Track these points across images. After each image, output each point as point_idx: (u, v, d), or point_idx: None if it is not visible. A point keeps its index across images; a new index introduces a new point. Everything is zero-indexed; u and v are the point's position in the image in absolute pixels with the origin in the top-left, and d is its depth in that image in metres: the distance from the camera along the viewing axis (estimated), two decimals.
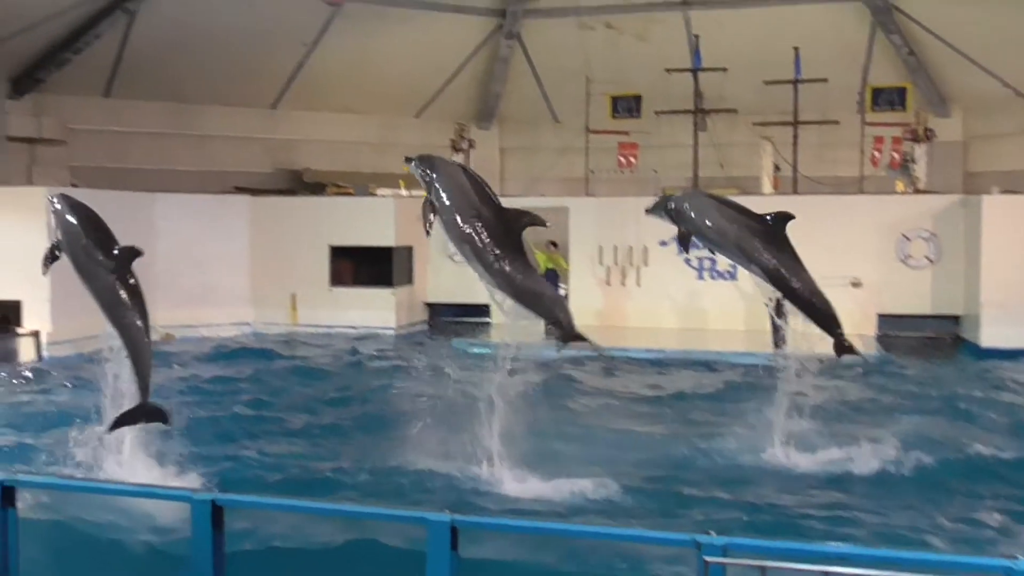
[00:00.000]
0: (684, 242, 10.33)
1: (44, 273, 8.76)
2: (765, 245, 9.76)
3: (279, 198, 21.63)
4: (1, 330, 16.36)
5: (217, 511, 5.36)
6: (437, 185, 8.60)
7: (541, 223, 8.84)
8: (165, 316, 18.73)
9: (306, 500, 6.87)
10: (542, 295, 8.95)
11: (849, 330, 18.08)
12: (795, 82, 21.38)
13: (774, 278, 9.88)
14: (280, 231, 20.11)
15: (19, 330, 16.19)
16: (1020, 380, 14.36)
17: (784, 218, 9.67)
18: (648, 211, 10.76)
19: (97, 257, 8.41)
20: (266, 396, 13.10)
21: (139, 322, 8.37)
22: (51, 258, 8.78)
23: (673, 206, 10.36)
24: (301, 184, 24.08)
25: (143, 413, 8.38)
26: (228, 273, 19.77)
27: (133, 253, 8.38)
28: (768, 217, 9.96)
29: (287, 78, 23.93)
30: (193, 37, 21.44)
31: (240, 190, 22.01)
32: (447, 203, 8.54)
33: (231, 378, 14.63)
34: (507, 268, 8.47)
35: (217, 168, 23.45)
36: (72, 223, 8.56)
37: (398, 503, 7.65)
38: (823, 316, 10.01)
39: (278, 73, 23.74)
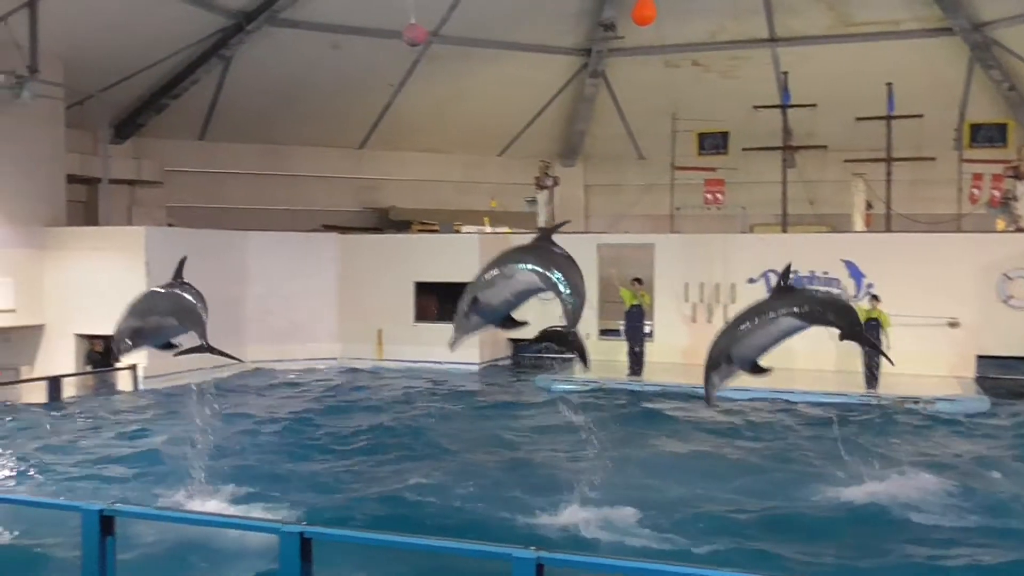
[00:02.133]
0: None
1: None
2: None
3: (366, 236, 22.01)
4: (103, 364, 16.93)
5: (305, 543, 5.38)
6: None
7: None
8: (256, 351, 19.21)
9: (392, 534, 6.85)
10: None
11: (945, 372, 17.67)
12: (888, 118, 20.92)
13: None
14: (366, 268, 20.43)
15: (118, 364, 16.71)
16: None
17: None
18: None
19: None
20: (350, 429, 13.20)
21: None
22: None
23: None
24: (387, 222, 24.51)
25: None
26: (316, 309, 20.14)
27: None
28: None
29: (374, 119, 24.48)
30: (284, 81, 22.14)
31: (328, 228, 22.49)
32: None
33: (317, 411, 14.82)
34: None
35: (307, 207, 24.07)
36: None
37: (483, 539, 7.58)
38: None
39: (365, 114, 24.30)
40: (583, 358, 8.74)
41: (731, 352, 9.43)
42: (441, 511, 9.02)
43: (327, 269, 20.41)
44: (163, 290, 8.76)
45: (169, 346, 8.93)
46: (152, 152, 22.85)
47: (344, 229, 22.43)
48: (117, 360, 16.59)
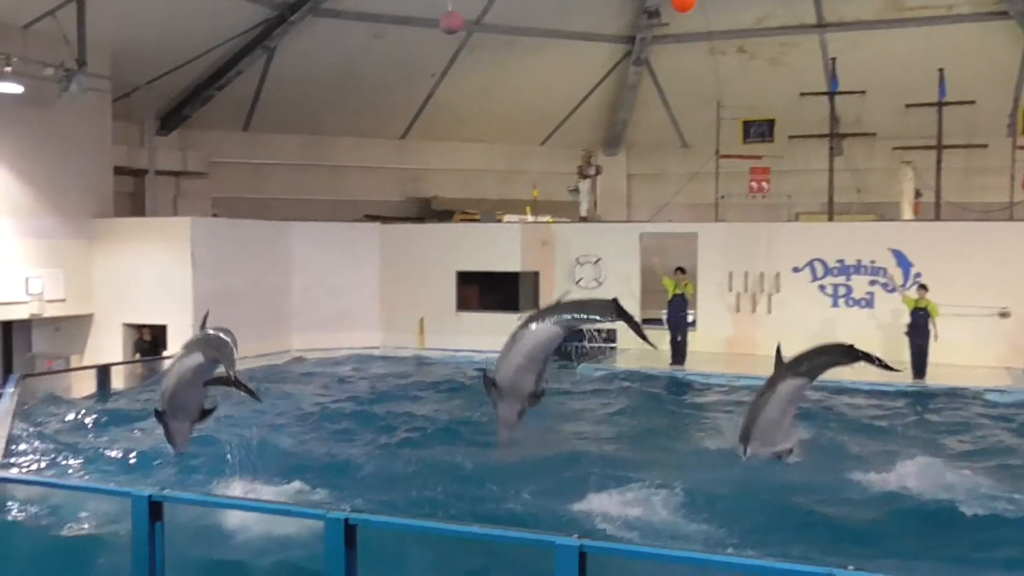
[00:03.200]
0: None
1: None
2: None
3: (408, 225, 22.10)
4: (151, 353, 17.20)
5: (350, 530, 5.42)
6: None
7: None
8: (300, 340, 19.43)
9: (435, 521, 6.87)
10: None
11: (995, 362, 17.32)
12: (939, 104, 20.50)
13: None
14: (409, 257, 20.50)
15: (165, 353, 16.96)
16: None
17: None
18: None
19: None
20: (392, 418, 13.26)
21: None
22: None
23: None
24: (429, 212, 24.57)
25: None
26: (359, 298, 20.28)
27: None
28: None
29: (416, 109, 24.51)
30: (326, 71, 22.24)
31: (371, 218, 22.60)
32: None
33: (361, 399, 14.92)
34: None
35: (349, 197, 24.21)
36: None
37: (525, 526, 7.57)
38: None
39: (408, 104, 24.35)
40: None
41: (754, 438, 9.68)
42: (483, 498, 9.02)
43: (370, 259, 20.52)
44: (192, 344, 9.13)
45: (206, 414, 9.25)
46: (197, 143, 23.12)
47: (386, 219, 22.53)
48: (164, 348, 16.93)
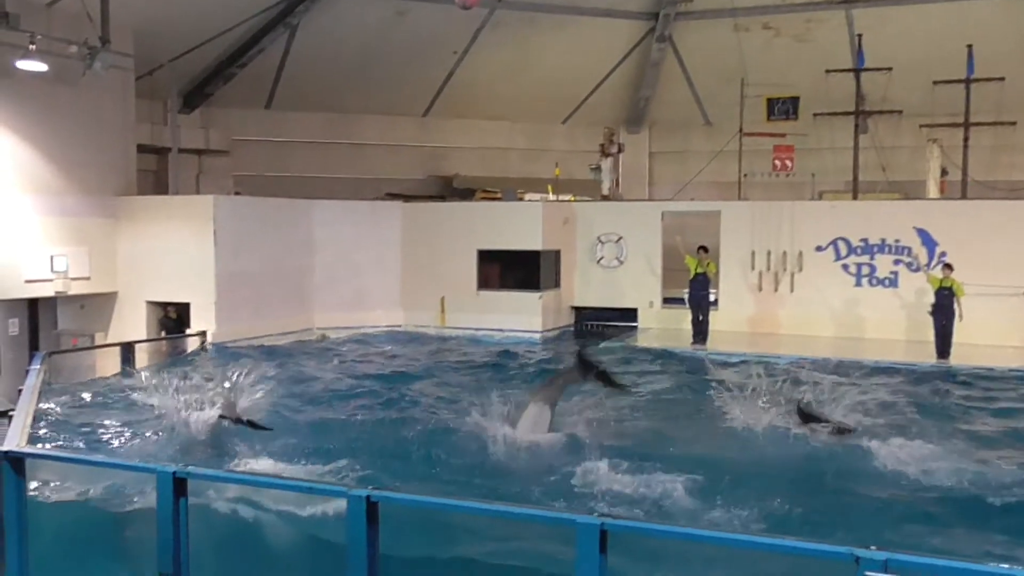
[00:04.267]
0: None
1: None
2: None
3: (429, 204, 22.10)
4: (176, 330, 17.34)
5: (372, 507, 5.45)
6: None
7: None
8: (322, 318, 19.51)
9: (457, 499, 6.90)
10: None
11: (1020, 343, 17.15)
12: (967, 81, 20.22)
13: None
14: (430, 236, 20.52)
15: (188, 330, 17.11)
16: None
17: None
18: None
19: None
20: (413, 393, 13.32)
21: None
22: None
23: None
24: (451, 190, 24.54)
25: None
26: (381, 276, 20.33)
27: None
28: None
29: (438, 87, 24.45)
30: (348, 49, 22.21)
31: (392, 196, 22.61)
32: None
33: (384, 376, 14.97)
34: None
35: (371, 175, 24.23)
36: None
37: (546, 505, 7.59)
38: None
39: (430, 82, 24.28)
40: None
41: None
42: (507, 475, 9.06)
43: (391, 237, 20.55)
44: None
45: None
46: (219, 121, 23.20)
47: (408, 197, 22.53)
48: (187, 326, 17.10)
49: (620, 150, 22.36)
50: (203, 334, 16.87)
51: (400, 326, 20.26)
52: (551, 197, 22.06)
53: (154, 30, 18.54)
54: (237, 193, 21.22)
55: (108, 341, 17.16)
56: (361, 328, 19.54)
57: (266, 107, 23.93)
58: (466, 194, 23.66)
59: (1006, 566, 4.57)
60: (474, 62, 23.60)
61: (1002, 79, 20.01)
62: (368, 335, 19.42)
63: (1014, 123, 20.69)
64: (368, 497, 5.48)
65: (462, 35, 22.80)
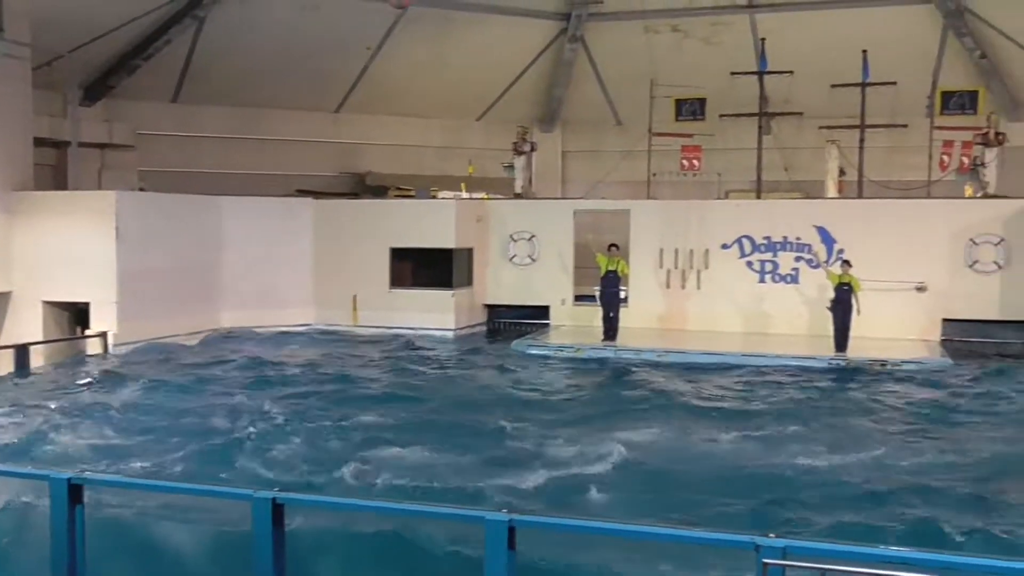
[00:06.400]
0: None
1: None
2: None
3: (342, 201, 21.90)
4: (73, 330, 16.82)
5: (277, 509, 5.44)
6: None
7: None
8: (231, 317, 19.18)
9: (364, 499, 6.93)
10: None
11: (914, 335, 17.96)
12: (863, 85, 20.98)
13: None
14: (342, 233, 20.34)
15: (88, 331, 16.62)
16: None
17: None
18: None
19: None
20: (321, 393, 13.23)
21: None
22: None
23: None
24: (364, 187, 24.37)
25: None
26: (292, 274, 20.06)
27: None
28: None
29: (351, 82, 24.24)
30: (259, 42, 21.84)
31: (304, 193, 22.33)
32: None
33: (289, 375, 14.81)
34: None
35: (282, 171, 23.88)
36: None
37: (456, 503, 7.67)
38: None
39: (343, 77, 24.06)
40: None
41: None
42: (414, 474, 9.09)
43: (302, 234, 20.31)
44: None
45: None
46: (123, 115, 22.54)
47: (320, 194, 22.29)
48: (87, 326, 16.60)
49: (533, 148, 22.55)
50: (103, 335, 16.41)
51: (312, 324, 20.05)
52: (464, 195, 22.12)
53: (53, 19, 17.95)
54: (142, 189, 20.67)
55: (1, 343, 16.52)
56: (272, 327, 19.24)
57: (173, 100, 23.37)
58: (379, 191, 23.54)
59: (895, 548, 4.84)
60: (389, 58, 23.47)
61: (894, 83, 20.84)
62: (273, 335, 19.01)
63: (906, 126, 21.57)
64: (274, 499, 5.48)
65: (376, 31, 22.65)
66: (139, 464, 9.25)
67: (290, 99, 23.93)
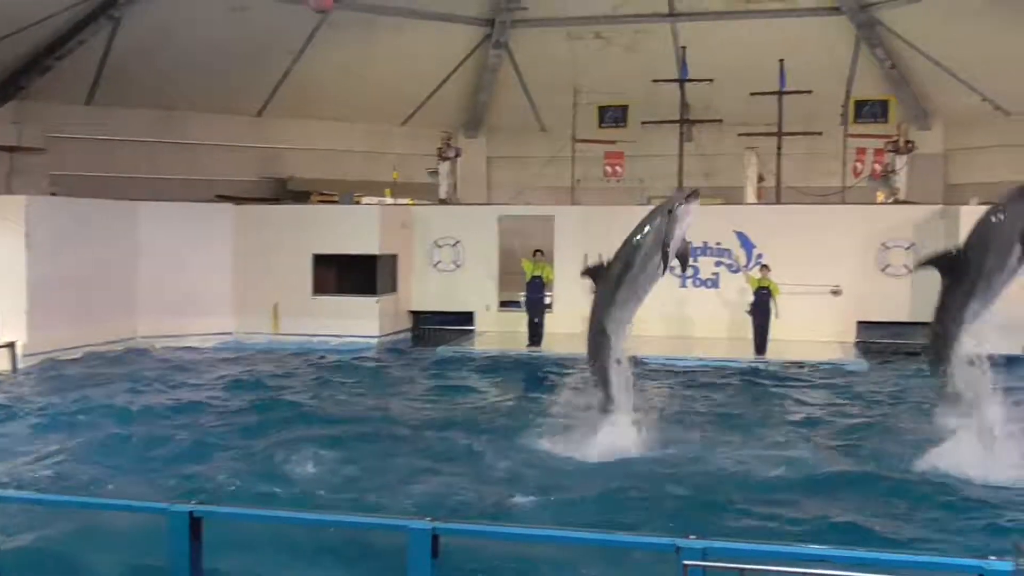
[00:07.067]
0: None
1: None
2: None
3: (263, 206, 21.55)
4: None
5: (195, 523, 5.31)
6: None
7: None
8: (148, 325, 18.68)
9: (285, 510, 6.82)
10: None
11: (829, 337, 18.47)
12: (780, 93, 21.51)
13: None
14: (263, 239, 20.02)
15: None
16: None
17: None
18: None
19: None
20: (240, 405, 13.00)
21: None
22: None
23: None
24: (286, 192, 24.01)
25: None
26: (210, 282, 19.63)
27: None
28: None
29: (273, 86, 23.88)
30: (179, 44, 21.37)
31: (224, 198, 21.89)
32: None
33: (206, 387, 14.50)
34: None
35: (201, 176, 23.35)
36: None
37: (379, 512, 7.61)
38: None
39: (264, 81, 23.68)
40: None
41: None
42: (337, 485, 8.99)
43: (222, 241, 19.92)
44: None
45: None
46: (34, 117, 21.75)
47: (241, 199, 21.88)
48: None
49: (458, 154, 22.54)
50: (11, 345, 15.82)
51: (231, 333, 19.65)
52: (389, 201, 21.98)
53: None
54: (53, 194, 20.00)
55: None
56: (190, 335, 18.78)
57: (87, 103, 22.68)
58: (302, 196, 23.21)
59: (814, 546, 4.96)
60: (311, 62, 23.19)
61: (810, 92, 21.40)
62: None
63: (820, 133, 22.17)
64: (191, 513, 5.35)
65: (299, 34, 22.37)
66: None
67: (211, 102, 23.46)
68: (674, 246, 9.98)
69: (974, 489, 9.03)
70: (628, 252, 10.27)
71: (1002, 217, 9.31)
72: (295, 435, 10.88)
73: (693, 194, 10.12)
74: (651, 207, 11.67)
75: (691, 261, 19.41)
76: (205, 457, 9.99)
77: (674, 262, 10.38)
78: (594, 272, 10.51)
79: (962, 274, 9.47)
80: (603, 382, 10.41)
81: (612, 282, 10.34)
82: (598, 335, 10.48)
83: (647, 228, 10.16)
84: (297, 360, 17.32)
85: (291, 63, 23.23)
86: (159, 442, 10.57)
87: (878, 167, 21.01)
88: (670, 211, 9.97)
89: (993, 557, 3.93)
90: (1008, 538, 7.36)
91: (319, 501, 8.41)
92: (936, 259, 9.96)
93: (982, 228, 9.48)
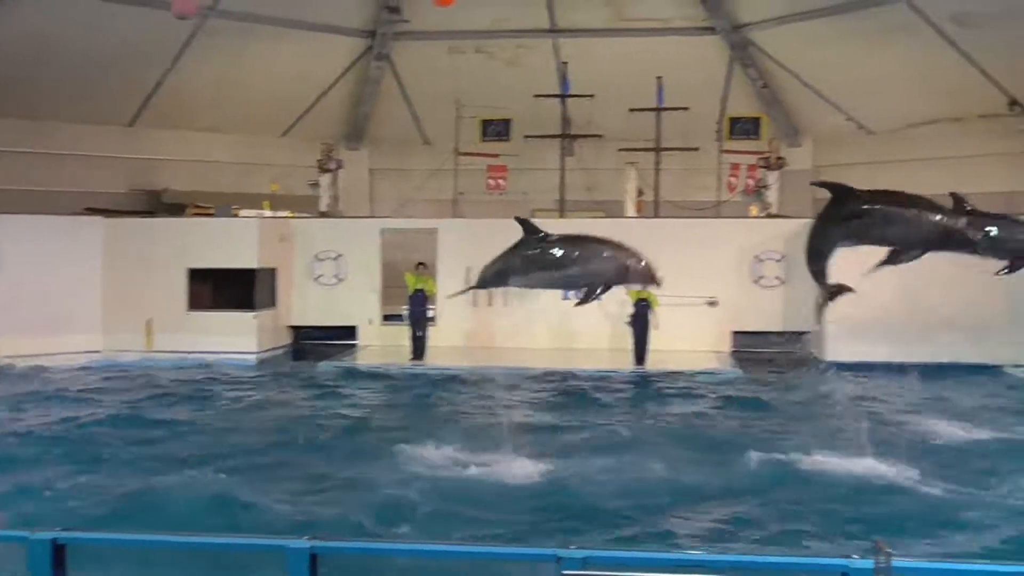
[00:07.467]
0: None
1: None
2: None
3: (134, 220, 20.75)
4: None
5: (58, 551, 5.03)
6: None
7: None
8: (7, 344, 17.66)
9: (156, 534, 6.53)
10: None
11: (706, 347, 19.01)
12: (658, 110, 22.09)
13: None
14: (135, 254, 19.27)
15: None
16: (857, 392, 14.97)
17: None
18: None
19: None
20: (109, 425, 12.45)
21: None
22: None
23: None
24: (160, 205, 23.18)
25: None
26: (78, 298, 18.74)
27: None
28: None
29: (146, 95, 23.05)
30: (45, 50, 20.41)
31: (92, 211, 20.97)
32: None
33: (73, 406, 13.85)
34: None
35: (69, 188, 22.25)
36: None
37: (257, 532, 7.38)
38: None
39: (136, 89, 22.84)
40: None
41: None
42: (211, 506, 8.70)
43: (90, 255, 19.07)
44: None
45: None
46: None
47: (110, 212, 21.00)
48: None
49: (339, 166, 22.27)
50: None
51: (99, 351, 18.79)
52: (268, 213, 21.49)
53: None
54: None
55: None
56: (54, 355, 17.85)
57: None
58: (176, 209, 22.43)
59: (691, 551, 5.07)
60: (186, 71, 22.50)
61: (687, 109, 22.06)
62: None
63: (697, 149, 22.87)
64: (54, 540, 5.07)
65: (173, 41, 21.68)
66: None
67: (78, 111, 22.45)
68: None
69: (839, 489, 9.42)
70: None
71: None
72: (166, 454, 10.49)
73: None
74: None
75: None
76: (69, 479, 9.50)
77: None
78: None
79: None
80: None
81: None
82: None
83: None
84: (170, 377, 16.71)
85: (165, 72, 22.50)
86: (16, 465, 10.00)
87: (751, 182, 21.84)
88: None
89: (856, 555, 4.08)
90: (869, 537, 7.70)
91: (194, 523, 8.10)
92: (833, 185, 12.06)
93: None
